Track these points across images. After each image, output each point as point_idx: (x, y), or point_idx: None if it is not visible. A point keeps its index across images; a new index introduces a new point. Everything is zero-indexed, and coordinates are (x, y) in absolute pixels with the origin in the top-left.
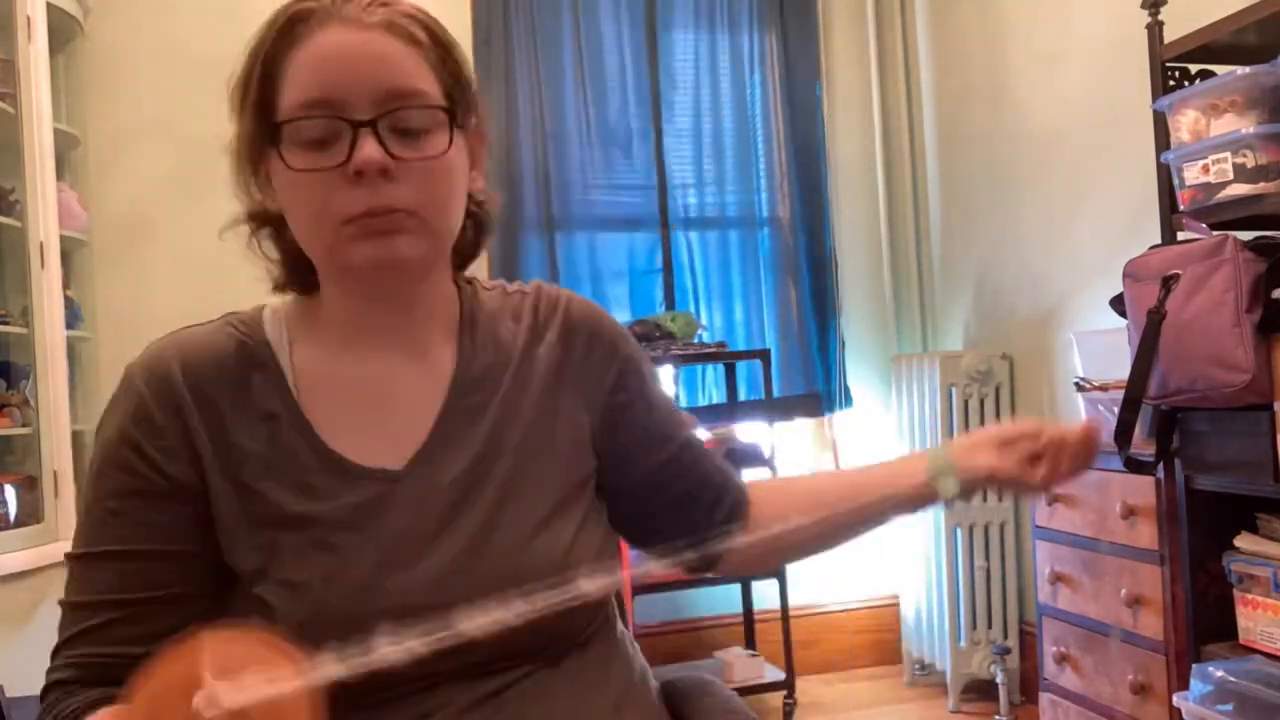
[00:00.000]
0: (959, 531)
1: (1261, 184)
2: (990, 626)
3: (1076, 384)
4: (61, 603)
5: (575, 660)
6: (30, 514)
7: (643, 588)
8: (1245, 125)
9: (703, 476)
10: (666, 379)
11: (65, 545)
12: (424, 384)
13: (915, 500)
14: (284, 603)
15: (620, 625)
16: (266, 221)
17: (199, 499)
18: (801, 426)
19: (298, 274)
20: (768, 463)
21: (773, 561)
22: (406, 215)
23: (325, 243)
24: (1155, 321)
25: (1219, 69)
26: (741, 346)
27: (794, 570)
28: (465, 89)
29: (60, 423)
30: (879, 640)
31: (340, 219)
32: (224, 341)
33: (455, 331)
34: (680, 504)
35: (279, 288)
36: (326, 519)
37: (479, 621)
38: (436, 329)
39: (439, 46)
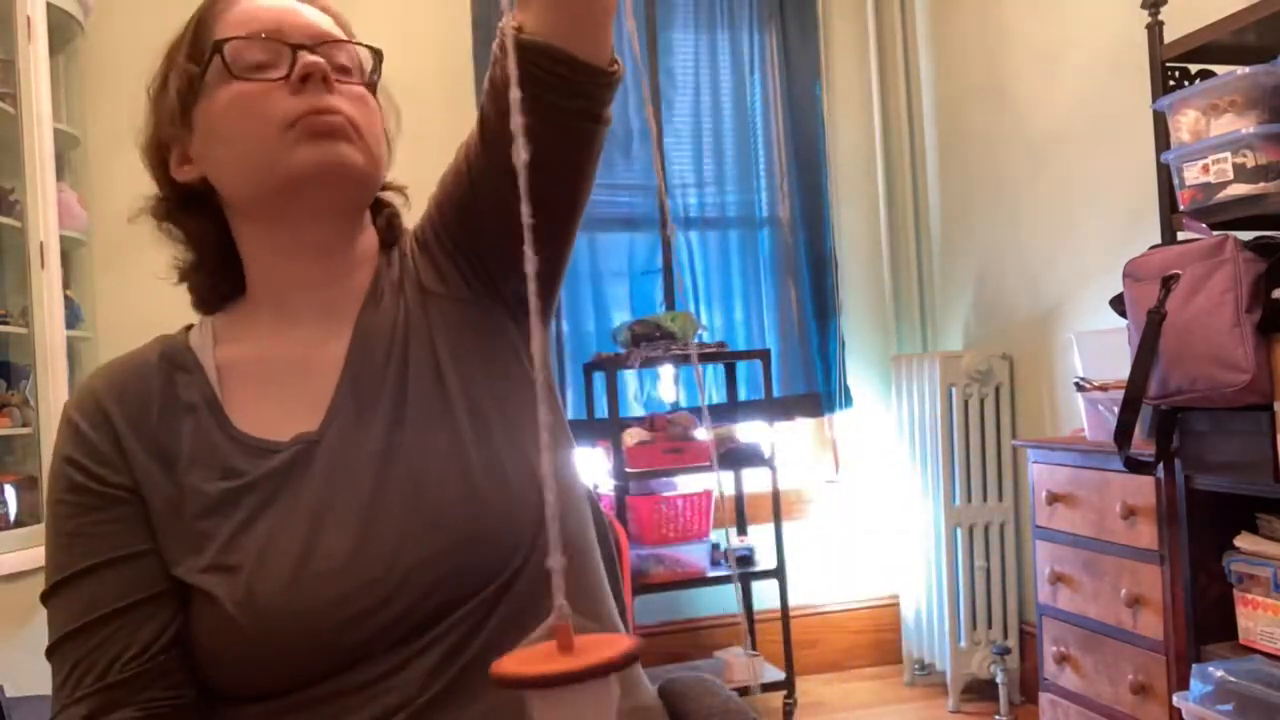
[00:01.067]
0: (959, 531)
1: (1261, 184)
2: (990, 626)
3: (1076, 384)
4: (52, 643)
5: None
6: (30, 514)
7: (643, 588)
8: (1245, 125)
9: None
10: (667, 379)
11: None
12: (335, 348)
13: None
14: (223, 589)
15: (616, 618)
16: (181, 202)
17: (139, 500)
18: (801, 426)
19: (215, 265)
20: (768, 463)
21: None
22: (347, 122)
23: (266, 154)
24: (1155, 321)
25: (1219, 69)
26: (741, 346)
27: (794, 570)
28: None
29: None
30: (879, 640)
31: (284, 123)
32: (147, 354)
33: (362, 301)
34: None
35: (206, 305)
36: (247, 496)
37: None
38: (353, 294)
39: (344, 20)
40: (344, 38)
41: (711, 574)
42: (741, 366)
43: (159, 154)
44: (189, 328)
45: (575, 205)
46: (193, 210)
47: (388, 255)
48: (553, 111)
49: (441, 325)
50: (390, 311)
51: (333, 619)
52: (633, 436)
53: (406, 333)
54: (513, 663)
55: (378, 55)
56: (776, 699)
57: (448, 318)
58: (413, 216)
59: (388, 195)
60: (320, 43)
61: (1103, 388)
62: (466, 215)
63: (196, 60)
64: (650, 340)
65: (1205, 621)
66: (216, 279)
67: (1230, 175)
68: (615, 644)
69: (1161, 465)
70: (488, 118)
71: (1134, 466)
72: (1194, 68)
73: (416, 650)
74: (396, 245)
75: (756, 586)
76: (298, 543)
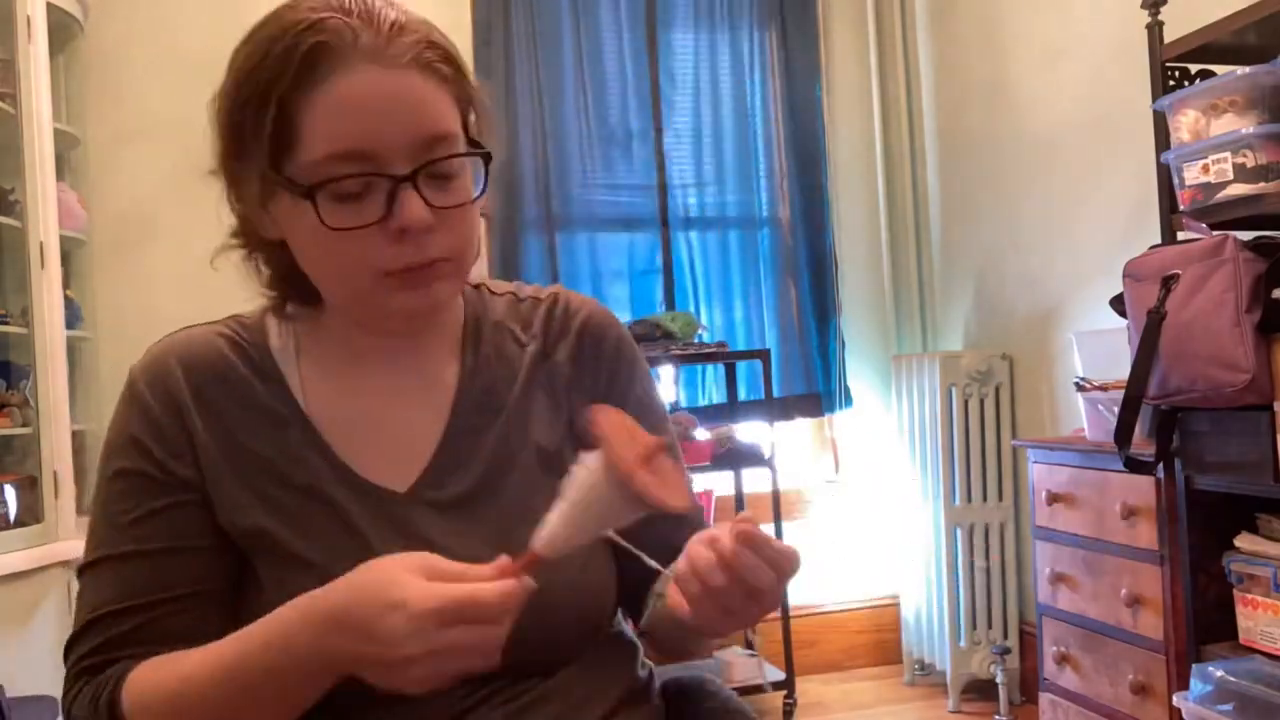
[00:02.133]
0: (959, 531)
1: (1261, 184)
2: (990, 626)
3: (1076, 384)
4: (89, 618)
5: (577, 664)
6: (30, 514)
7: None
8: (1245, 125)
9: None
10: (667, 379)
11: (65, 545)
12: (427, 402)
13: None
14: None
15: (625, 626)
16: (259, 245)
17: (203, 498)
18: (801, 426)
19: (295, 292)
20: (768, 463)
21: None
22: (444, 263)
23: (358, 290)
24: (1155, 321)
25: (1219, 69)
26: (741, 346)
27: None
28: (478, 111)
29: (60, 423)
30: (879, 640)
31: (380, 272)
32: (226, 346)
33: (459, 345)
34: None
35: (276, 308)
36: (327, 515)
37: None
38: (441, 344)
39: (458, 75)
40: (443, 132)
41: None
42: (741, 366)
43: (232, 184)
44: (265, 312)
45: None
46: (267, 251)
47: (466, 296)
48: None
49: (560, 426)
50: (494, 374)
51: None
52: None
53: (519, 408)
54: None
55: (486, 159)
56: (776, 699)
57: (569, 431)
58: None
59: None
60: (421, 165)
61: (1103, 388)
62: None
63: (277, 158)
64: (650, 340)
65: (1205, 621)
66: (290, 297)
67: (1230, 175)
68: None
69: (1161, 465)
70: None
71: (1134, 466)
72: (1194, 68)
73: (482, 697)
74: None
75: None
76: None
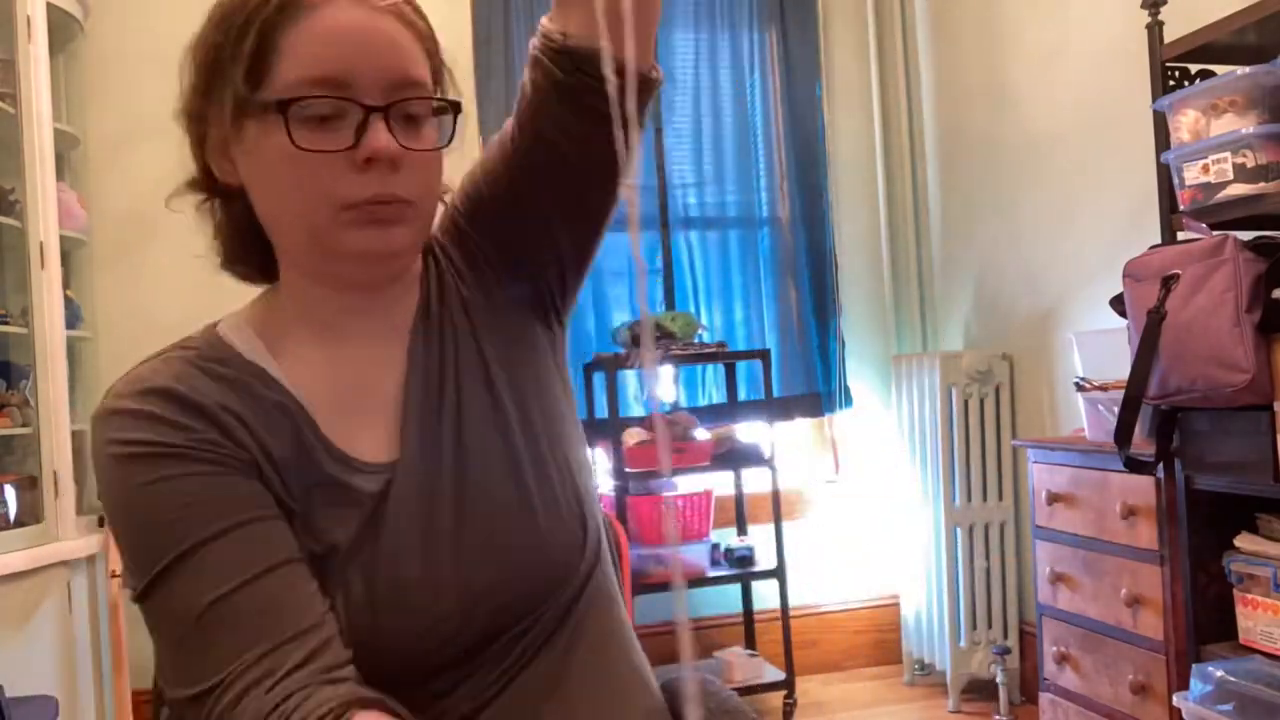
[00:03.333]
0: (959, 531)
1: (1261, 184)
2: (990, 626)
3: (1076, 384)
4: (171, 624)
5: (575, 647)
6: (30, 514)
7: (643, 588)
8: (1245, 125)
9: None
10: (667, 379)
11: (65, 545)
12: (393, 374)
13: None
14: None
15: (625, 622)
16: (217, 193)
17: (255, 467)
18: (801, 426)
19: (245, 250)
20: (768, 463)
21: None
22: (406, 205)
23: (316, 224)
24: (1155, 321)
25: (1219, 69)
26: (741, 346)
27: (794, 570)
28: (447, 73)
29: (60, 423)
30: (879, 640)
31: (341, 203)
32: (191, 357)
33: (421, 297)
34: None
35: (228, 264)
36: (352, 511)
37: None
38: (403, 311)
39: (429, 34)
40: (417, 76)
41: (711, 574)
42: (741, 366)
43: (197, 128)
44: (213, 328)
45: (610, 204)
46: (227, 200)
47: (426, 266)
48: (593, 115)
49: (486, 336)
50: (439, 335)
51: (408, 650)
52: (633, 436)
53: (458, 355)
54: None
55: (456, 108)
56: (776, 699)
57: (489, 327)
58: None
59: None
60: (394, 100)
61: (1103, 388)
62: (495, 214)
63: (253, 81)
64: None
65: (1205, 621)
66: (248, 265)
67: (1230, 175)
68: None
69: (1161, 465)
70: (528, 116)
71: (1134, 466)
72: (1194, 68)
73: (477, 665)
74: (430, 253)
75: (756, 586)
76: (381, 576)
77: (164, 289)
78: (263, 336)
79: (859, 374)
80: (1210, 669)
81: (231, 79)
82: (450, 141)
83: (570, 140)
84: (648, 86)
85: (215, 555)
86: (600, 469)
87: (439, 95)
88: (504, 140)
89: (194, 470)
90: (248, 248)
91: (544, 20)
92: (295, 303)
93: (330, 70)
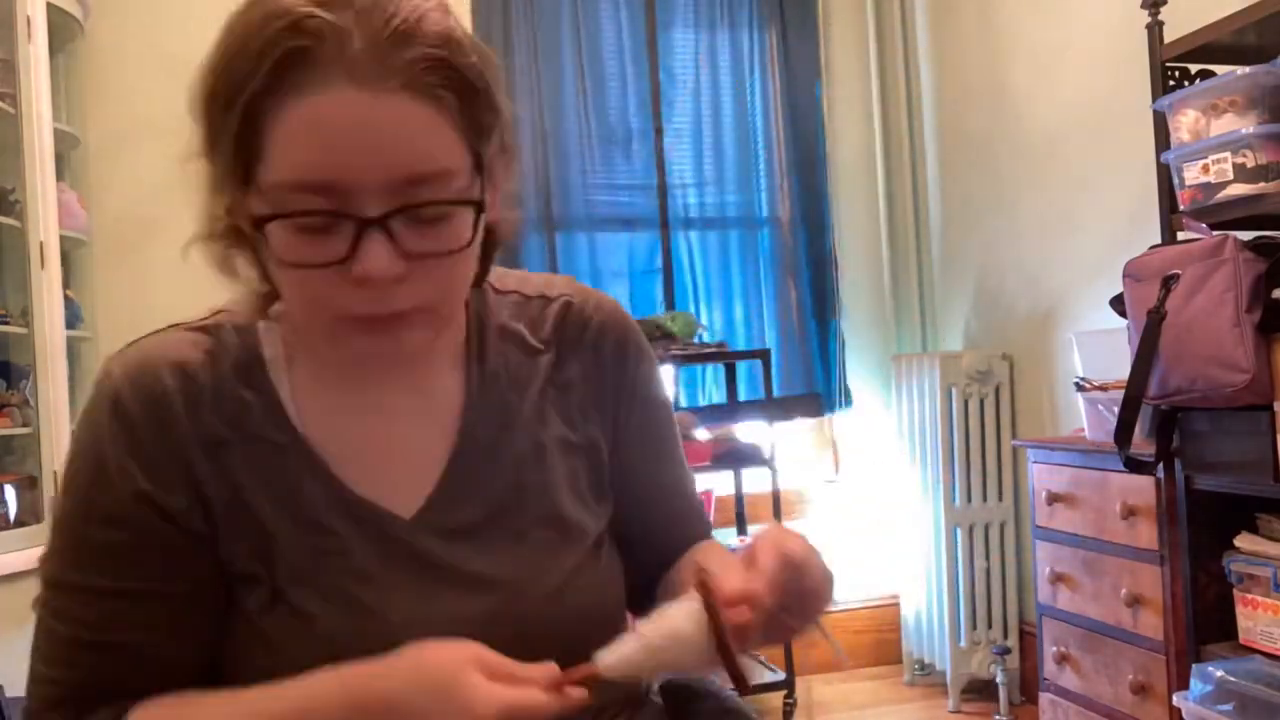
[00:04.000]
0: (959, 531)
1: (1261, 184)
2: (990, 626)
3: (1076, 384)
4: (43, 628)
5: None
6: (30, 514)
7: None
8: (1245, 125)
9: (682, 521)
10: (666, 379)
11: None
12: (430, 418)
13: None
14: (293, 640)
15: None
16: (238, 237)
17: (198, 534)
18: (801, 426)
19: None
20: (768, 463)
21: None
22: (415, 313)
23: (319, 327)
24: (1155, 321)
25: (1219, 69)
26: (741, 346)
27: None
28: (491, 129)
29: (60, 423)
30: (879, 640)
31: (341, 315)
32: (219, 352)
33: (463, 354)
34: (649, 539)
35: (263, 304)
36: (336, 562)
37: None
38: (443, 353)
39: (470, 98)
40: (432, 170)
41: None
42: (741, 366)
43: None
44: (255, 314)
45: None
46: (248, 248)
47: (477, 302)
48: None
49: (577, 442)
50: (503, 386)
51: None
52: None
53: (532, 423)
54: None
55: (478, 211)
56: (776, 699)
57: (586, 445)
58: None
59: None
60: (397, 208)
61: (1103, 388)
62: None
63: (242, 165)
64: (650, 340)
65: (1205, 621)
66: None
67: (1230, 175)
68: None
69: (1161, 465)
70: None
71: (1134, 466)
72: (1194, 68)
73: None
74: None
75: None
76: (379, 623)
77: (164, 289)
78: (288, 344)
79: (859, 374)
80: (1210, 669)
81: (223, 152)
82: (471, 242)
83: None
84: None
85: (109, 604)
86: None
87: (474, 179)
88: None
89: (130, 513)
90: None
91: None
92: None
93: (320, 176)
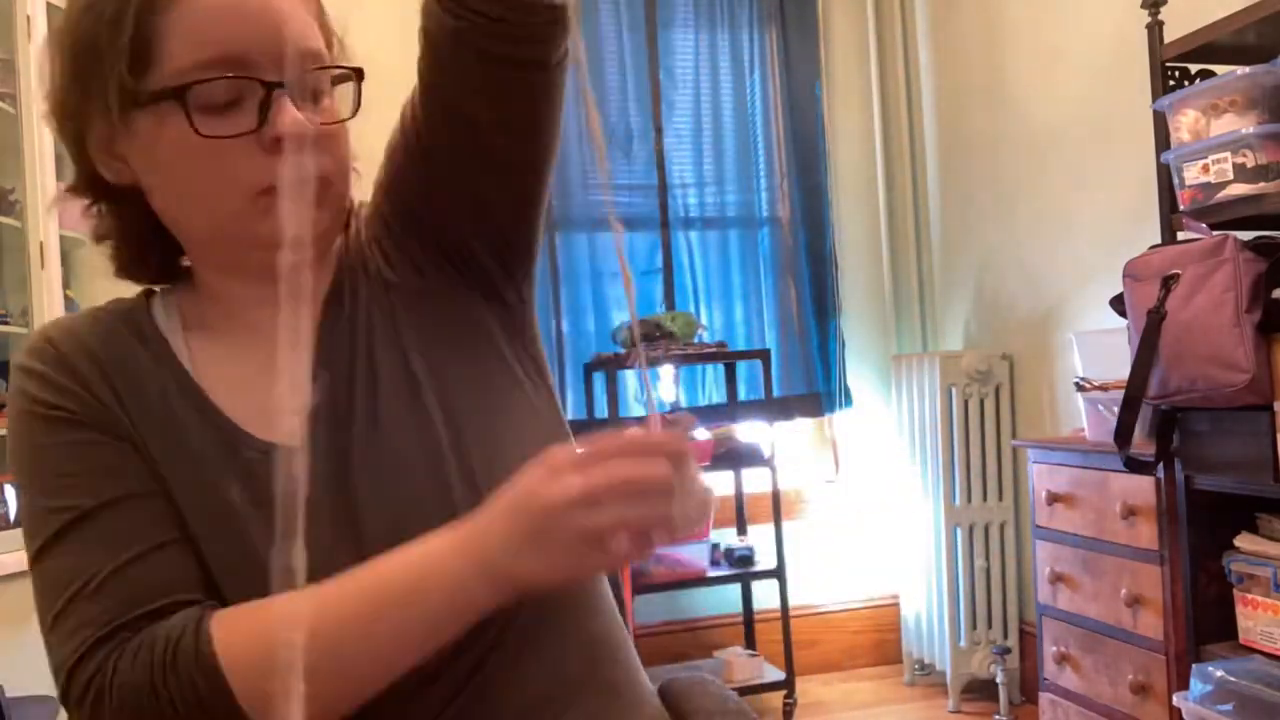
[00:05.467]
0: (959, 531)
1: (1261, 184)
2: (990, 626)
3: (1076, 384)
4: (56, 593)
5: (549, 656)
6: None
7: (643, 588)
8: (1245, 125)
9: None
10: (667, 379)
11: None
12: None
13: None
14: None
15: (618, 622)
16: (105, 195)
17: (133, 441)
18: (801, 426)
19: (144, 254)
20: (768, 463)
21: None
22: (323, 184)
23: (227, 214)
24: (1155, 321)
25: (1219, 69)
26: (741, 346)
27: (794, 570)
28: (337, 43)
29: None
30: (879, 640)
31: (255, 189)
32: (105, 318)
33: (328, 297)
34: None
35: (125, 270)
36: (221, 489)
37: None
38: (316, 299)
39: (318, 2)
40: (314, 47)
41: (711, 574)
42: (741, 366)
43: (74, 126)
44: (148, 294)
45: (546, 162)
46: (121, 203)
47: (345, 240)
48: (506, 64)
49: (408, 323)
50: (351, 316)
51: None
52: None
53: (371, 338)
54: None
55: (359, 76)
56: (776, 699)
57: (413, 313)
58: None
59: None
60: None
61: (1103, 388)
62: (420, 190)
63: (139, 70)
64: (650, 340)
65: (1205, 621)
66: (152, 267)
67: (1230, 175)
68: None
69: (1161, 465)
70: (427, 79)
71: (1134, 466)
72: (1194, 68)
73: (420, 681)
74: (350, 224)
75: (756, 586)
76: (264, 550)
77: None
78: (182, 307)
79: (859, 374)
80: (1210, 669)
81: (113, 70)
82: (356, 111)
83: (478, 97)
84: (552, 16)
85: (107, 524)
86: None
87: (355, 67)
88: (405, 117)
89: (83, 438)
90: (145, 250)
91: None
92: (207, 296)
93: (224, 50)
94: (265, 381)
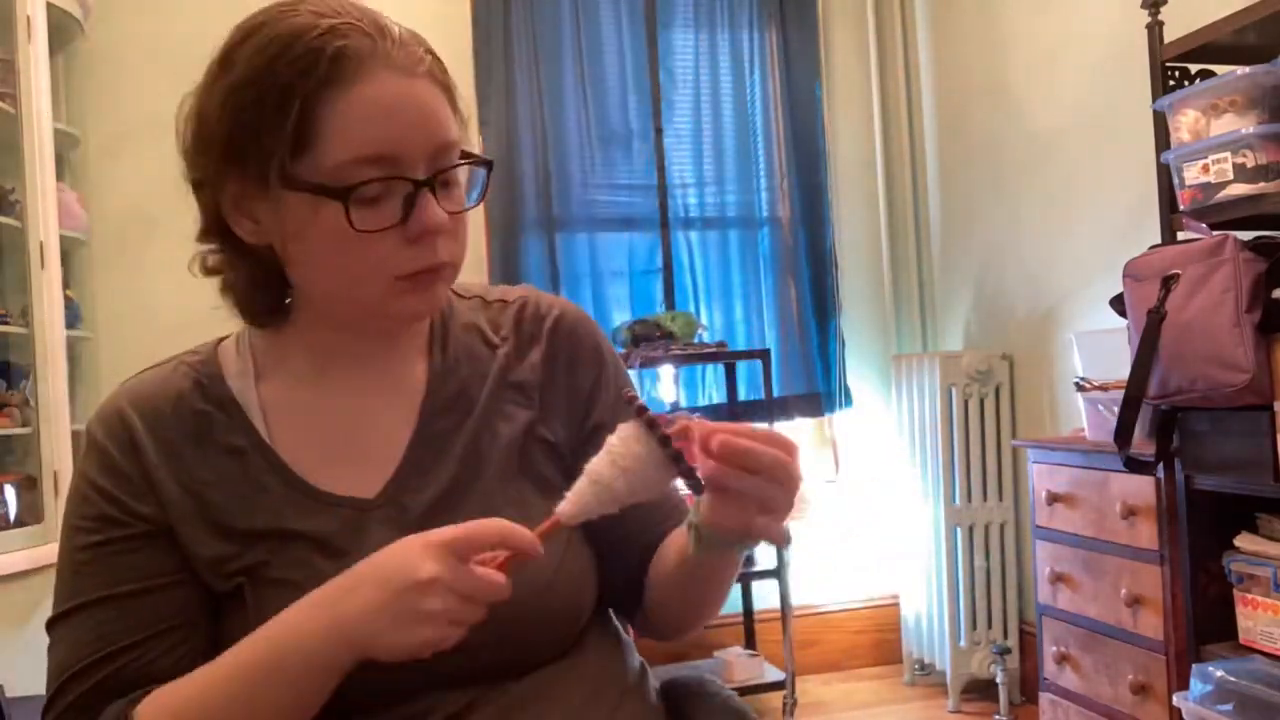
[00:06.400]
0: (959, 531)
1: (1261, 184)
2: (990, 626)
3: (1076, 384)
4: (57, 677)
5: (567, 662)
6: (30, 514)
7: None
8: (1245, 125)
9: (656, 525)
10: (667, 379)
11: None
12: (395, 407)
13: (684, 558)
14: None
15: (614, 623)
16: (235, 250)
17: (168, 533)
18: (801, 426)
19: (261, 303)
20: None
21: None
22: (448, 268)
23: (367, 297)
24: (1155, 321)
25: (1219, 69)
26: (741, 346)
27: (794, 570)
28: (465, 124)
29: (60, 423)
30: (879, 640)
31: (396, 275)
32: (179, 381)
33: (427, 346)
34: (625, 545)
35: (248, 316)
36: (299, 545)
37: None
38: (409, 345)
39: (454, 90)
40: (452, 139)
41: None
42: (741, 366)
43: (214, 183)
44: (219, 342)
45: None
46: (240, 256)
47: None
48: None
49: (531, 433)
50: (463, 377)
51: (370, 678)
52: None
53: (488, 412)
54: None
55: (489, 168)
56: (776, 699)
57: (508, 395)
58: None
59: None
60: (437, 171)
61: (1103, 388)
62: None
63: (296, 152)
64: (650, 340)
65: (1205, 621)
66: (251, 310)
67: (1230, 175)
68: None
69: (1161, 465)
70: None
71: (1134, 466)
72: (1194, 68)
73: (458, 682)
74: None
75: (756, 586)
76: None
77: (164, 289)
78: (255, 353)
79: (859, 374)
80: (1210, 669)
81: (271, 150)
82: (482, 199)
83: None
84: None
85: (107, 614)
86: None
87: (472, 156)
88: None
89: (116, 535)
90: (268, 299)
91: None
92: (300, 342)
93: (380, 149)
94: (346, 430)
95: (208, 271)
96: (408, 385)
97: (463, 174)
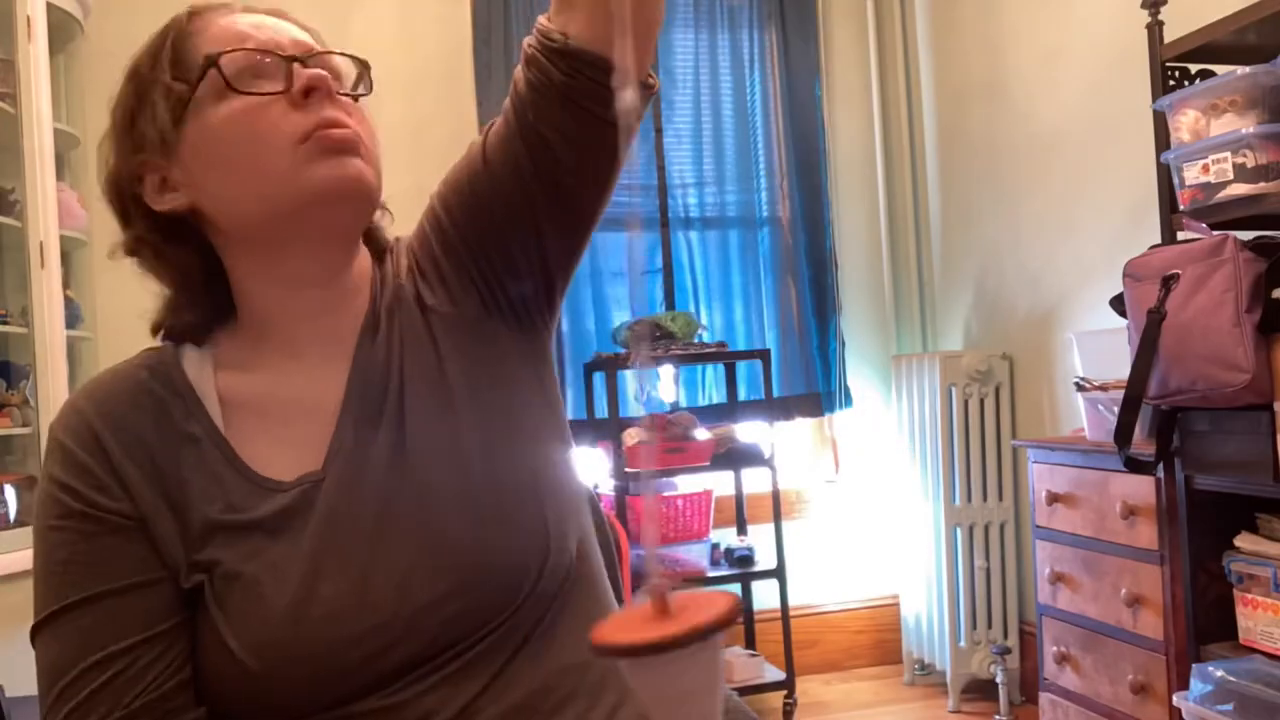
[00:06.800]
0: (959, 531)
1: (1261, 184)
2: (990, 626)
3: (1076, 384)
4: (47, 689)
5: (566, 662)
6: (30, 514)
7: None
8: (1245, 125)
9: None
10: (667, 379)
11: None
12: (337, 383)
13: None
14: (226, 626)
15: (604, 587)
16: (161, 234)
17: (142, 527)
18: (801, 426)
19: (200, 298)
20: (768, 463)
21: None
22: (354, 136)
23: (278, 176)
24: (1155, 321)
25: (1219, 69)
26: (741, 346)
27: (794, 570)
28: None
29: None
30: (879, 640)
31: (294, 139)
32: (135, 373)
33: (366, 313)
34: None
35: (176, 312)
36: (251, 534)
37: None
38: (352, 316)
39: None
40: (334, 50)
41: (711, 574)
42: (741, 366)
43: (129, 187)
44: (179, 343)
45: (598, 208)
46: (174, 242)
47: (380, 272)
48: (589, 118)
49: (444, 337)
50: (386, 338)
51: (338, 660)
52: (633, 436)
53: (403, 356)
54: (610, 629)
55: (365, 67)
56: (776, 699)
57: (450, 332)
58: (406, 219)
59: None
60: (312, 54)
61: (1103, 388)
62: (480, 211)
63: (183, 78)
64: (650, 340)
65: (1205, 621)
66: (202, 311)
67: (1230, 175)
68: (713, 604)
69: (1161, 465)
70: (522, 113)
71: (1134, 466)
72: (1194, 68)
73: (429, 684)
74: (385, 260)
75: (756, 586)
76: (298, 586)
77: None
78: (217, 354)
79: (859, 374)
80: (1210, 669)
81: (160, 86)
82: (370, 90)
83: (565, 142)
84: (645, 94)
85: (92, 617)
86: (601, 469)
87: (362, 58)
88: (493, 137)
89: (87, 529)
90: (200, 288)
91: (542, 19)
92: (250, 317)
93: (251, 40)
94: (291, 414)
95: (162, 317)
96: (346, 355)
97: (349, 83)
